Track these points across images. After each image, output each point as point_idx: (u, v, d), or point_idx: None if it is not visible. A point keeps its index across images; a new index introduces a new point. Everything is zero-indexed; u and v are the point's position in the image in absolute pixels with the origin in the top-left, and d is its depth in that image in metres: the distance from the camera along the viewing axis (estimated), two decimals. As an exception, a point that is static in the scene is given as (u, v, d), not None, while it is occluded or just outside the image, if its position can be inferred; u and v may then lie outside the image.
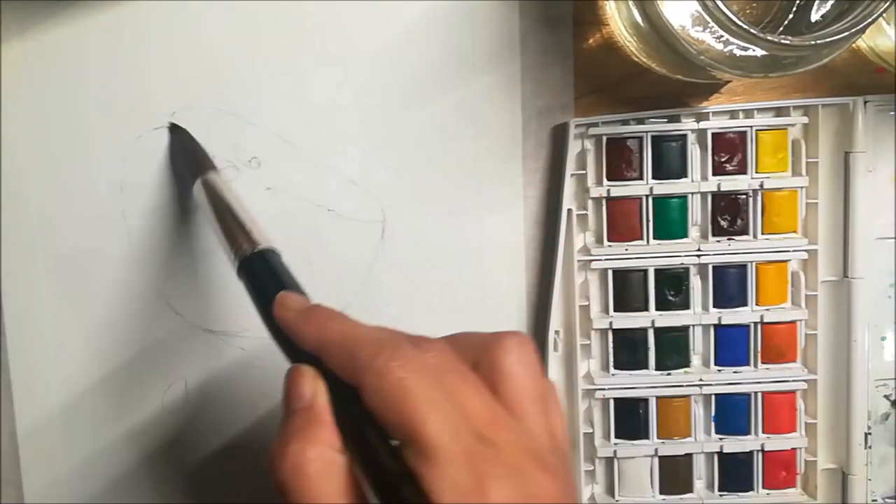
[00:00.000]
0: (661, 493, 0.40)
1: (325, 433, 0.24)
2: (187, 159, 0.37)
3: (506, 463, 0.22)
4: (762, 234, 0.39)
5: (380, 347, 0.24)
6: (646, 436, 0.40)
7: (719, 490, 0.40)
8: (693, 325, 0.40)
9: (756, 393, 0.40)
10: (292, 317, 0.27)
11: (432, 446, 0.22)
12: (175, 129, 0.38)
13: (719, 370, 0.40)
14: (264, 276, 0.30)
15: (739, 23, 0.30)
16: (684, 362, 0.40)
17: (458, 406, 0.23)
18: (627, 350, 0.40)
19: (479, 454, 0.22)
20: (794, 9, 0.35)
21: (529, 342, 0.26)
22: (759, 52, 0.31)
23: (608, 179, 0.39)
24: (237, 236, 0.31)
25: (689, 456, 0.40)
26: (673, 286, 0.39)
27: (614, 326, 0.39)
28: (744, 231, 0.39)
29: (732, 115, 0.39)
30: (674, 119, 0.39)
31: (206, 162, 0.36)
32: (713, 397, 0.40)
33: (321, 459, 0.24)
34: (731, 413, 0.40)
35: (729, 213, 0.39)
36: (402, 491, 0.22)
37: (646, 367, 0.40)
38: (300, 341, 0.26)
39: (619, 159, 0.39)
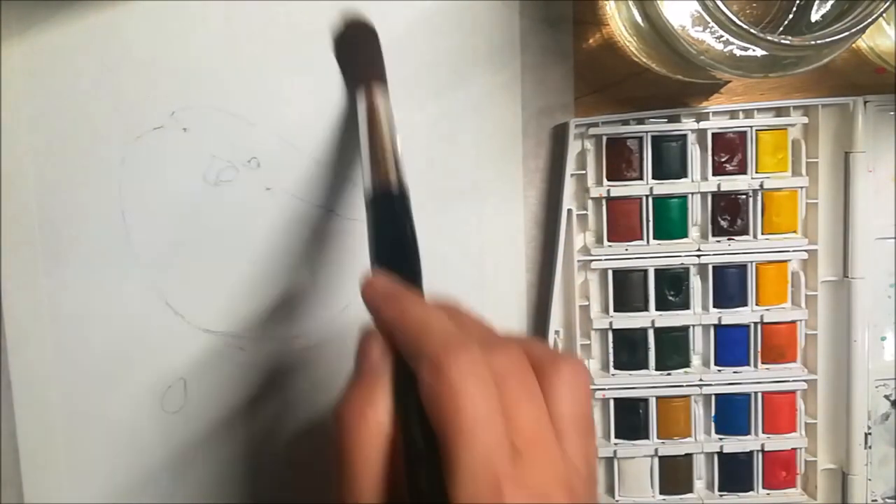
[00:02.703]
0: (661, 493, 0.40)
1: (384, 400, 0.25)
2: (361, 58, 0.36)
3: (533, 486, 0.22)
4: (762, 234, 0.39)
5: (444, 346, 0.24)
6: (646, 436, 0.40)
7: (719, 490, 0.40)
8: (693, 325, 0.40)
9: (756, 393, 0.40)
10: (374, 298, 0.27)
11: (462, 460, 0.22)
12: (354, 25, 0.36)
13: (719, 370, 0.40)
14: (391, 223, 0.30)
15: (739, 23, 0.30)
16: (684, 362, 0.40)
17: (508, 418, 0.23)
18: (627, 350, 0.40)
19: (508, 475, 0.22)
20: (794, 9, 0.35)
21: (586, 372, 0.26)
22: (759, 52, 0.31)
23: (608, 179, 0.39)
24: (385, 167, 0.31)
25: (689, 456, 0.40)
26: (673, 286, 0.39)
27: (614, 326, 0.39)
28: (744, 231, 0.39)
29: (732, 115, 0.39)
30: (674, 119, 0.39)
31: (378, 70, 0.35)
32: (713, 397, 0.40)
33: (374, 422, 0.25)
34: (731, 413, 0.40)
35: (729, 213, 0.39)
36: (421, 471, 0.23)
37: (646, 367, 0.40)
38: (376, 322, 0.27)
39: (619, 159, 0.39)
